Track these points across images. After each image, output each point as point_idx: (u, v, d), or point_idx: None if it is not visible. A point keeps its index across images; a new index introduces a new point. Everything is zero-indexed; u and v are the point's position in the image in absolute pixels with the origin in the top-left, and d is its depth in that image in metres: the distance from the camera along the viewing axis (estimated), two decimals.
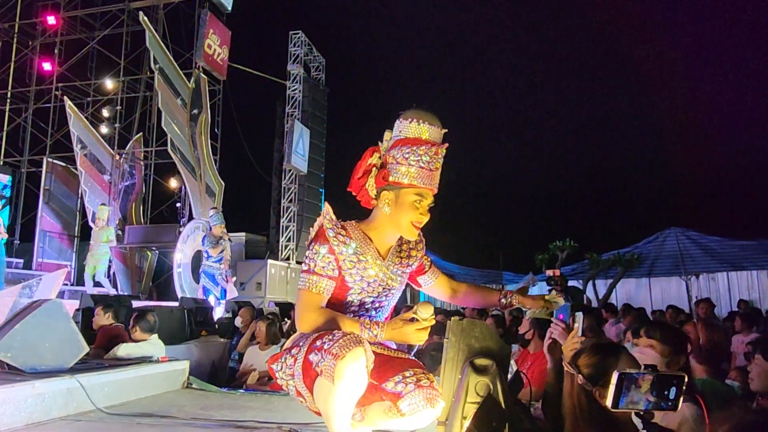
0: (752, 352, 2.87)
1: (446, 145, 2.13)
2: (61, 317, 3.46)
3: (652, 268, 18.13)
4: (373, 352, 1.93)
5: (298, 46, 16.67)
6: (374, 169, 2.14)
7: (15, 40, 14.81)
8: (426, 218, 2.12)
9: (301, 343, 1.99)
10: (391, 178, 2.10)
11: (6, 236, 8.55)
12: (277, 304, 9.38)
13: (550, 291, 7.62)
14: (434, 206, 2.17)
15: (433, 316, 1.97)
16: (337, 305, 2.09)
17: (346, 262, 2.07)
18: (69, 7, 14.78)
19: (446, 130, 2.15)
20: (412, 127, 2.10)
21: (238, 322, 6.46)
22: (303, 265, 2.15)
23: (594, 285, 17.29)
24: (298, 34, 16.73)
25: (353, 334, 1.89)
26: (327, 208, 2.19)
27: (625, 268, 16.93)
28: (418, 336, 1.94)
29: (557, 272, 7.75)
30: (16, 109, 14.73)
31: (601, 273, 17.40)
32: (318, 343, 1.89)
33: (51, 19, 14.50)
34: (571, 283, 16.28)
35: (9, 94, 14.54)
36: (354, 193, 2.22)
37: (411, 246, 2.26)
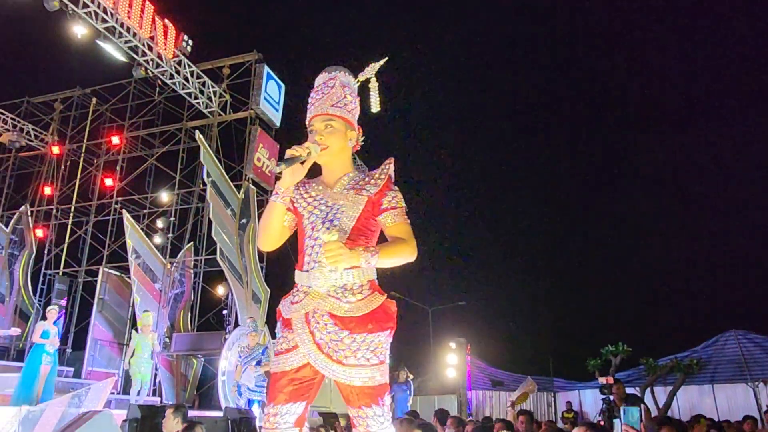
0: None
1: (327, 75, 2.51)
2: (110, 429, 3.50)
3: (714, 373, 17.05)
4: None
5: None
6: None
7: (82, 159, 16.02)
8: (321, 137, 2.40)
9: None
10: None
11: (58, 345, 8.79)
12: (320, 413, 9.16)
13: (603, 400, 7.25)
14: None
15: (336, 243, 2.12)
16: (300, 233, 2.47)
17: (295, 196, 2.48)
18: (132, 128, 16.00)
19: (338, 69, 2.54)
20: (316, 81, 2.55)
21: None
22: None
23: (653, 392, 16.32)
24: None
25: None
26: None
27: (685, 374, 15.99)
28: (326, 257, 2.13)
29: (610, 379, 7.42)
30: (78, 222, 15.64)
31: (659, 380, 16.47)
32: None
33: (115, 139, 15.67)
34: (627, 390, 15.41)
35: (72, 209, 15.50)
36: None
37: (367, 181, 2.45)
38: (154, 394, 12.28)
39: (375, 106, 2.68)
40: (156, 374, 12.44)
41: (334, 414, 8.71)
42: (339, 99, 2.48)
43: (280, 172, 2.29)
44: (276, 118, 15.18)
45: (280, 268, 16.62)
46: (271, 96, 14.94)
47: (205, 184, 13.05)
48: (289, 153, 2.29)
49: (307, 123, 2.50)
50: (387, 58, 2.64)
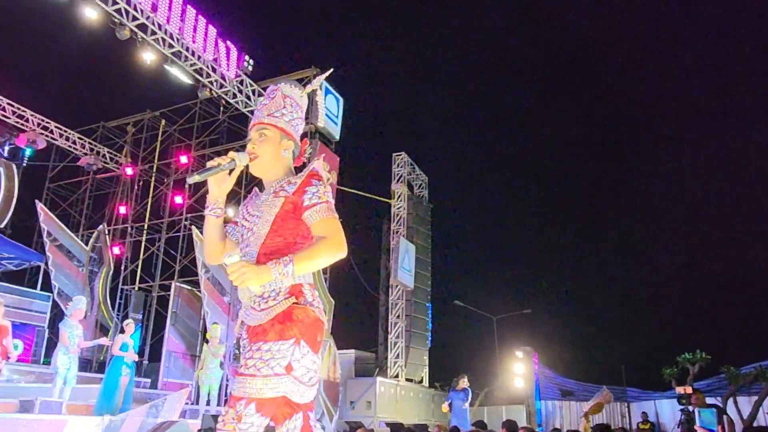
0: None
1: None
2: None
3: None
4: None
5: (401, 167, 17.47)
6: None
7: (153, 178, 16.80)
8: (253, 146, 2.39)
9: None
10: None
11: (137, 358, 9.17)
12: (387, 424, 9.17)
13: (682, 410, 6.92)
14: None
15: (237, 263, 2.09)
16: None
17: (240, 209, 2.50)
18: (198, 147, 16.63)
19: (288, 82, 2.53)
20: None
21: None
22: None
23: (736, 403, 15.43)
24: (401, 155, 17.61)
25: None
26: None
27: None
28: (231, 279, 2.10)
29: (689, 389, 7.08)
30: (151, 239, 16.39)
31: (743, 389, 15.55)
32: None
33: (183, 159, 16.34)
34: (708, 401, 14.64)
35: (146, 226, 16.27)
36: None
37: (288, 182, 2.34)
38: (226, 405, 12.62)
39: (320, 120, 2.65)
40: (227, 384, 12.79)
41: (400, 424, 8.70)
42: (277, 108, 2.44)
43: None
44: (335, 131, 15.42)
45: (344, 280, 16.84)
46: (330, 110, 15.20)
47: None
48: (209, 164, 2.27)
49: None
50: (333, 70, 2.62)
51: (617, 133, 33.52)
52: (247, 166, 2.40)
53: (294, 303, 2.19)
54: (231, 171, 2.31)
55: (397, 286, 16.29)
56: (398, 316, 16.20)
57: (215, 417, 6.66)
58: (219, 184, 2.37)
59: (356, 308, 19.89)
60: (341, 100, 15.70)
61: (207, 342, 10.14)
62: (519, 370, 17.70)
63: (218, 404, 10.99)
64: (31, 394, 8.24)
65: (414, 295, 16.79)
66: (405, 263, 16.26)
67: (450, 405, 10.06)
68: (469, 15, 35.77)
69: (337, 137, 15.53)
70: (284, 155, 2.42)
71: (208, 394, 10.77)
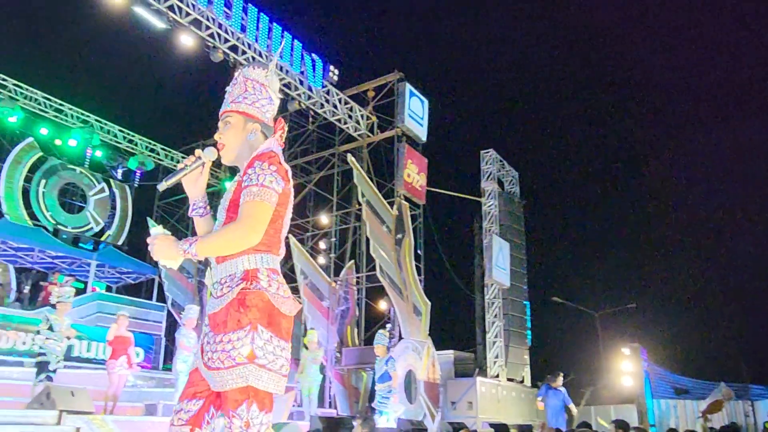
0: None
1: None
2: None
3: None
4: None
5: (490, 164, 17.24)
6: None
7: None
8: (219, 136, 2.35)
9: None
10: None
11: None
12: (491, 425, 9.07)
13: None
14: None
15: (155, 237, 2.08)
16: None
17: None
18: (290, 158, 17.23)
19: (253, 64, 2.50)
20: None
21: None
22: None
23: None
24: (489, 152, 17.37)
25: None
26: None
27: None
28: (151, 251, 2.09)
29: None
30: None
31: None
32: None
33: None
34: None
35: None
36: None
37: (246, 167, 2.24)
38: (329, 407, 12.97)
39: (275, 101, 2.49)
40: (330, 387, 13.16)
41: (504, 425, 8.58)
42: (239, 94, 2.37)
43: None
44: (421, 133, 15.47)
45: (439, 281, 16.84)
46: (415, 112, 15.28)
47: (360, 204, 13.65)
48: (178, 167, 2.25)
49: None
50: (280, 51, 2.53)
51: None
52: (219, 158, 2.35)
53: (244, 288, 2.11)
54: (202, 168, 2.29)
55: (492, 285, 16.08)
56: (495, 315, 15.98)
57: (321, 419, 6.88)
58: (193, 184, 2.32)
59: (452, 309, 19.84)
60: (426, 101, 15.73)
61: (306, 348, 10.44)
62: (626, 367, 16.92)
63: (320, 406, 11.29)
64: (154, 398, 8.88)
65: (510, 293, 16.51)
66: (499, 261, 16.01)
67: (542, 401, 9.70)
68: (557, 6, 34.75)
69: (424, 139, 15.56)
70: (250, 138, 2.33)
71: (308, 397, 11.12)
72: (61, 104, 16.16)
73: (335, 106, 14.92)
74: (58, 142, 16.50)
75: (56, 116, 16.14)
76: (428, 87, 16.50)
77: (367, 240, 13.32)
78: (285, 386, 2.15)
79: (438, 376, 13.32)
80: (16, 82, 15.32)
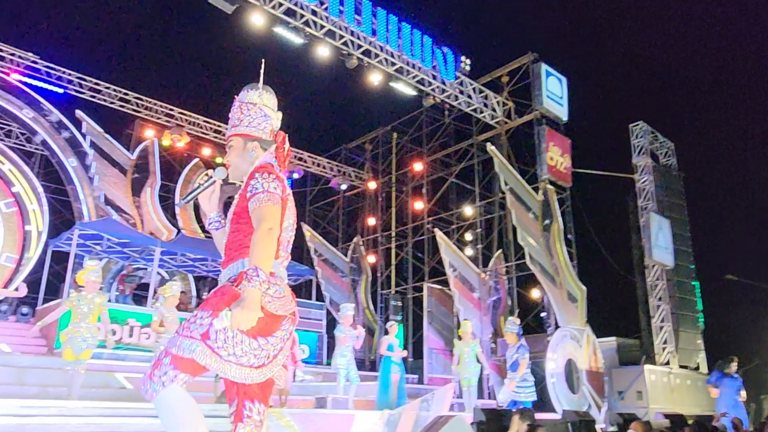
0: None
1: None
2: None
3: None
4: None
5: (641, 137, 16.10)
6: None
7: (393, 188, 18.06)
8: (227, 159, 2.64)
9: None
10: None
11: (405, 354, 9.91)
12: (666, 415, 8.49)
13: None
14: None
15: (228, 325, 2.16)
16: None
17: None
18: (429, 153, 17.41)
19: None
20: None
21: None
22: None
23: None
24: (638, 124, 16.23)
25: None
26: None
27: None
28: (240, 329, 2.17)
29: None
30: (399, 245, 17.63)
31: None
32: None
33: (418, 166, 17.29)
34: None
35: (393, 234, 17.56)
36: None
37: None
38: (488, 397, 12.93)
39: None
40: (488, 377, 13.10)
41: (681, 416, 8.00)
42: (237, 119, 2.63)
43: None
44: (562, 113, 14.87)
45: (594, 266, 16.04)
46: (553, 92, 14.71)
47: (503, 193, 13.42)
48: (194, 186, 2.45)
49: None
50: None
51: None
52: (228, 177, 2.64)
53: (229, 283, 2.38)
54: (214, 186, 2.59)
55: (654, 266, 15.01)
56: (660, 299, 14.91)
57: (484, 410, 6.90)
58: (207, 200, 2.62)
59: (611, 294, 18.73)
60: (564, 80, 15.08)
61: (459, 338, 10.47)
62: None
63: (480, 397, 11.28)
64: (323, 392, 9.45)
65: (675, 273, 15.31)
66: (660, 240, 14.90)
67: (716, 388, 8.78)
68: None
69: (565, 119, 14.94)
70: (251, 156, 2.58)
71: (468, 388, 11.12)
72: (219, 126, 17.71)
73: (470, 97, 14.80)
74: (219, 159, 18.11)
75: (216, 137, 17.71)
76: (565, 64, 15.74)
77: (514, 228, 13.08)
78: (254, 380, 2.29)
79: (601, 365, 12.75)
80: (181, 111, 17.08)
